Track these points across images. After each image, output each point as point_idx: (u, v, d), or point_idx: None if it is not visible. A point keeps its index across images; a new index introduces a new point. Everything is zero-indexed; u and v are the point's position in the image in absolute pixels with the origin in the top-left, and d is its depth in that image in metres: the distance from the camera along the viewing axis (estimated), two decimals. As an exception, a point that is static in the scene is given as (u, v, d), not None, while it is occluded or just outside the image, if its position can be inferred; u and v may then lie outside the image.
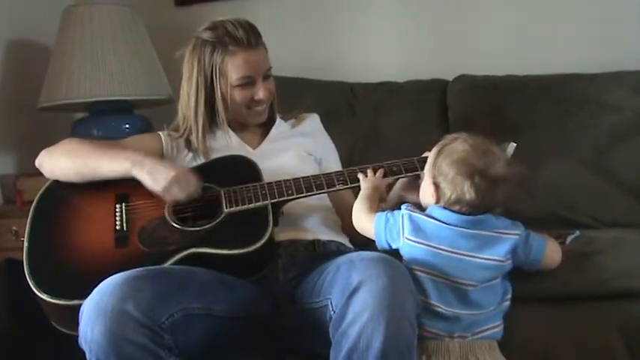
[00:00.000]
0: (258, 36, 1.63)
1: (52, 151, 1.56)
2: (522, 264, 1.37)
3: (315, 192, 1.50)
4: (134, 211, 1.48)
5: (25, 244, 1.41)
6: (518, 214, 1.39)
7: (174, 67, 1.71)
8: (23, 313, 1.87)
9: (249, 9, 2.34)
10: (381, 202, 1.49)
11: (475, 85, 2.20)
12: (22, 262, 1.38)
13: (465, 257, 1.29)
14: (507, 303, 1.35)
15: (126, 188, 1.50)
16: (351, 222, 1.63)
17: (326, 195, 1.67)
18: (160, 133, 1.70)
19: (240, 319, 1.35)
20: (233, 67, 1.59)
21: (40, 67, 2.28)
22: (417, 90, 2.25)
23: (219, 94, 1.62)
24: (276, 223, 1.46)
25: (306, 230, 1.55)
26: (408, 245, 1.32)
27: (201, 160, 1.64)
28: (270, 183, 1.49)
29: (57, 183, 1.54)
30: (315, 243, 1.52)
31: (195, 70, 1.61)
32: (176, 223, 1.44)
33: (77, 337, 1.20)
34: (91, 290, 1.20)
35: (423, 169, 1.49)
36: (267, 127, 1.75)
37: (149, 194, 1.48)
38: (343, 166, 1.84)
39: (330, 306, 1.24)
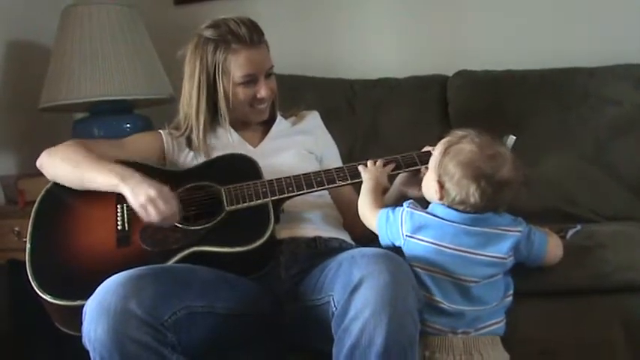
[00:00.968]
0: (261, 34, 1.63)
1: (52, 154, 1.56)
2: (525, 260, 1.37)
3: (315, 188, 1.50)
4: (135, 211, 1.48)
5: (28, 246, 1.41)
6: (518, 209, 1.38)
7: (175, 66, 1.70)
8: (25, 313, 1.88)
9: (249, 7, 2.34)
10: (385, 192, 1.49)
11: (475, 80, 2.20)
12: (25, 263, 1.38)
13: (467, 254, 1.29)
14: (510, 299, 1.35)
15: None
16: (352, 218, 1.64)
17: (327, 192, 1.66)
18: (161, 131, 1.71)
19: (243, 317, 1.36)
20: (236, 66, 1.59)
21: (40, 67, 2.28)
22: (417, 86, 2.25)
23: (221, 93, 1.62)
24: (277, 221, 1.46)
25: (308, 227, 1.55)
26: (409, 243, 1.32)
27: (202, 159, 1.64)
28: (270, 180, 1.49)
29: (58, 185, 1.54)
30: (316, 240, 1.52)
31: (197, 69, 1.61)
32: (177, 222, 1.44)
33: (80, 337, 1.21)
34: (94, 291, 1.20)
35: (422, 163, 1.49)
36: (267, 125, 1.76)
37: None
38: (344, 164, 1.84)
39: (332, 302, 1.24)
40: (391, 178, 1.56)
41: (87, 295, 1.21)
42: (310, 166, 1.69)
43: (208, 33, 1.60)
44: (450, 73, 2.25)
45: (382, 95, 2.25)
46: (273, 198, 1.47)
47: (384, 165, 1.52)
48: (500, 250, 1.31)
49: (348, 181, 1.52)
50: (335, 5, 2.48)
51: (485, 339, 1.30)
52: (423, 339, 1.26)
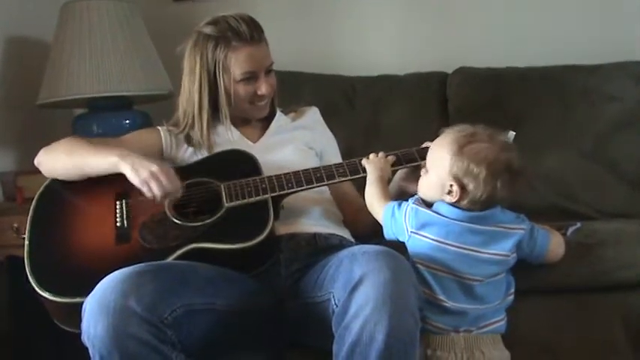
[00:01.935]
0: (261, 31, 1.62)
1: (50, 150, 1.56)
2: (527, 257, 1.37)
3: (315, 184, 1.50)
4: (134, 208, 1.47)
5: (26, 243, 1.41)
6: (519, 206, 1.39)
7: (174, 62, 1.70)
8: (24, 310, 1.87)
9: (248, 3, 2.33)
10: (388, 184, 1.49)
11: (475, 77, 2.20)
12: (23, 260, 1.37)
13: (471, 252, 1.29)
14: (511, 297, 1.35)
15: (125, 185, 1.49)
16: (352, 215, 1.64)
17: (326, 188, 1.66)
18: (159, 128, 1.70)
19: (243, 314, 1.35)
20: (236, 63, 1.59)
21: (39, 63, 2.28)
22: (417, 83, 2.24)
23: (222, 90, 1.61)
24: (276, 217, 1.45)
25: (307, 224, 1.54)
26: (414, 239, 1.32)
27: (202, 155, 1.64)
28: (270, 176, 1.49)
29: (56, 181, 1.54)
30: (316, 237, 1.51)
31: (197, 66, 1.61)
32: (177, 219, 1.43)
33: (79, 334, 1.20)
34: (93, 288, 1.20)
35: (422, 159, 1.47)
36: (267, 121, 1.75)
37: None
38: (343, 159, 1.83)
39: (332, 300, 1.24)
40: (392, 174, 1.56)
41: (86, 292, 1.21)
42: (310, 162, 1.69)
43: (208, 30, 1.60)
44: (450, 70, 2.24)
45: (382, 92, 2.25)
46: (272, 194, 1.46)
47: (386, 157, 1.52)
48: (504, 248, 1.31)
49: (348, 177, 1.52)
50: (335, 2, 2.48)
51: (486, 337, 1.30)
52: (424, 337, 1.26)
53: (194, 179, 1.52)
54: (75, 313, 1.23)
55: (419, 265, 1.29)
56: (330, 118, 1.89)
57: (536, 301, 1.49)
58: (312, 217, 1.57)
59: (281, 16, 2.45)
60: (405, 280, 1.19)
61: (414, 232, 1.32)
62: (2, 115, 2.37)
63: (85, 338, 1.18)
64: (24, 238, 1.42)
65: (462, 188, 1.30)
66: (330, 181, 1.52)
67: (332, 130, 1.85)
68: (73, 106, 2.41)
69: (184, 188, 1.50)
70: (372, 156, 1.52)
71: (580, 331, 1.49)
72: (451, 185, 1.30)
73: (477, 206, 1.31)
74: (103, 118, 2.24)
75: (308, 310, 1.34)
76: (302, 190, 1.49)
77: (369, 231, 1.57)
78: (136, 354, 1.14)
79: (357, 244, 1.49)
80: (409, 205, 1.35)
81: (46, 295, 1.31)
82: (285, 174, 1.50)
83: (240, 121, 1.71)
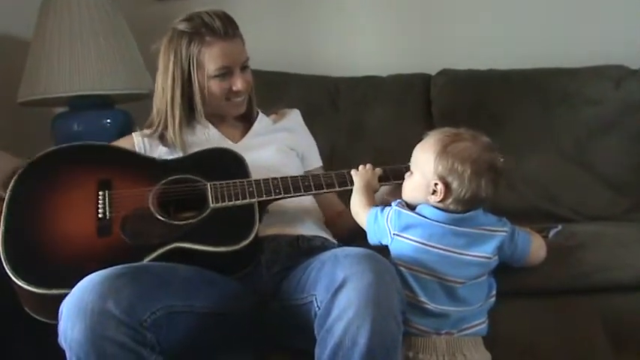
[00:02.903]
0: (235, 27, 1.62)
1: None
2: (508, 260, 1.38)
3: (302, 193, 1.49)
4: (117, 199, 1.44)
5: (2, 228, 1.36)
6: (500, 208, 1.39)
7: (156, 61, 1.68)
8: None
9: (231, 2, 2.32)
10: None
11: (458, 79, 2.21)
12: None
13: (454, 254, 1.29)
14: (493, 299, 1.35)
15: (108, 173, 1.48)
16: (331, 217, 1.63)
17: (310, 191, 1.66)
18: (133, 134, 1.68)
19: (224, 316, 1.34)
20: (210, 58, 1.58)
21: (19, 60, 2.25)
22: (400, 84, 2.25)
23: (196, 86, 1.60)
24: (261, 221, 1.44)
25: (290, 226, 1.54)
26: (397, 242, 1.32)
27: (177, 154, 1.62)
28: (257, 180, 1.47)
29: (35, 166, 1.49)
30: (299, 239, 1.51)
31: (171, 63, 1.60)
32: (161, 216, 1.41)
33: (54, 326, 1.19)
34: (72, 280, 1.19)
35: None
36: (248, 121, 1.74)
37: (133, 182, 1.46)
38: (325, 161, 1.83)
39: (315, 302, 1.23)
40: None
41: (64, 284, 1.19)
42: (292, 163, 1.68)
43: (182, 26, 1.59)
44: (434, 72, 2.25)
45: (365, 93, 2.25)
46: (259, 199, 1.45)
47: (374, 169, 1.52)
48: (486, 250, 1.31)
49: (336, 188, 1.51)
50: (319, 2, 2.47)
51: (468, 340, 1.30)
52: (406, 339, 1.26)
53: (180, 175, 1.50)
54: (50, 304, 1.21)
55: (401, 268, 1.29)
56: (314, 118, 1.89)
57: (517, 304, 1.49)
58: (295, 218, 1.56)
59: (264, 16, 2.44)
60: (389, 283, 1.19)
61: (397, 234, 1.32)
62: (-19, 112, 2.34)
63: (63, 341, 1.16)
64: None
65: (447, 187, 1.30)
66: (318, 191, 1.51)
67: (315, 131, 1.85)
68: (53, 104, 2.38)
69: (170, 183, 1.48)
70: (360, 167, 1.52)
71: (560, 333, 1.50)
72: (435, 184, 1.31)
73: (460, 206, 1.31)
74: (83, 116, 2.21)
75: (290, 312, 1.33)
76: (289, 197, 1.48)
77: (346, 235, 1.57)
78: (114, 357, 1.13)
79: (339, 246, 1.48)
80: (392, 208, 1.35)
81: (21, 284, 1.28)
82: (272, 179, 1.48)
83: (218, 120, 1.69)
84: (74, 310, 1.14)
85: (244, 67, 1.64)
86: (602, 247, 1.54)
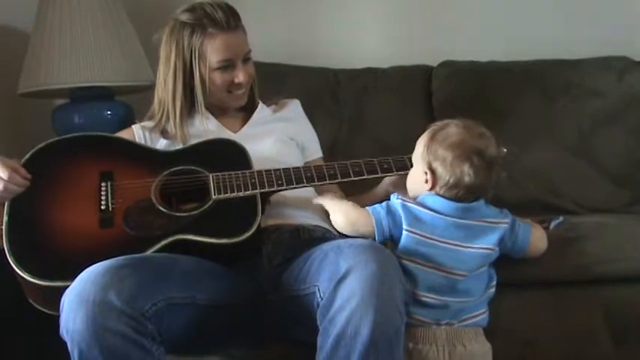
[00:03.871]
0: (238, 18, 1.61)
1: None
2: (508, 252, 1.38)
3: (305, 184, 1.48)
4: (120, 191, 1.44)
5: (5, 218, 1.37)
6: (502, 200, 1.39)
7: (156, 53, 1.68)
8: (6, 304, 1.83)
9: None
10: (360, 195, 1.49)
11: (460, 70, 2.20)
12: (2, 249, 1.34)
13: (458, 247, 1.30)
14: (492, 290, 1.35)
15: (110, 165, 1.47)
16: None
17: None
18: (133, 126, 1.68)
19: (225, 308, 1.35)
20: (213, 50, 1.58)
21: (19, 52, 2.24)
22: (401, 76, 2.24)
23: (198, 78, 1.60)
24: (263, 212, 1.44)
25: (291, 216, 1.54)
26: (406, 236, 1.31)
27: (178, 146, 1.61)
28: (260, 171, 1.47)
29: (38, 156, 1.49)
30: (300, 229, 1.50)
31: (173, 54, 1.59)
32: (163, 207, 1.41)
33: (56, 317, 1.19)
34: (74, 272, 1.19)
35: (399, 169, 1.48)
36: (248, 111, 1.74)
37: (135, 173, 1.46)
38: (326, 153, 1.83)
39: (317, 293, 1.23)
40: (380, 180, 1.57)
41: (67, 276, 1.20)
42: (292, 153, 1.68)
43: (184, 17, 1.59)
44: (435, 64, 2.24)
45: (366, 84, 2.24)
46: (262, 190, 1.45)
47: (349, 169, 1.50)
48: (489, 242, 1.32)
49: (338, 179, 1.50)
50: (319, -7, 2.47)
51: (468, 330, 1.31)
52: (406, 330, 1.25)
53: (182, 166, 1.50)
54: (53, 296, 1.21)
55: (404, 261, 1.29)
56: (314, 109, 1.89)
57: (518, 295, 1.50)
58: (296, 209, 1.56)
59: (265, 8, 2.43)
60: (392, 274, 1.19)
61: (407, 230, 1.31)
62: (-18, 104, 2.33)
63: (64, 332, 1.17)
64: (1, 229, 1.38)
65: (433, 173, 1.32)
66: (320, 182, 1.50)
67: (316, 122, 1.85)
68: (53, 96, 2.37)
69: (172, 174, 1.48)
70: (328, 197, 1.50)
71: (561, 325, 1.50)
72: (425, 172, 1.32)
73: (452, 193, 1.31)
74: (84, 108, 2.20)
75: (291, 302, 1.33)
76: (291, 188, 1.48)
77: None
78: (115, 348, 1.13)
79: (340, 237, 1.49)
80: (397, 201, 1.34)
81: (25, 276, 1.29)
82: (275, 170, 1.48)
83: (218, 111, 1.69)
84: (76, 301, 1.14)
85: (246, 59, 1.64)
86: (603, 239, 1.54)
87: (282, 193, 1.52)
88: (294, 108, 1.81)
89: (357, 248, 1.20)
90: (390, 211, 1.35)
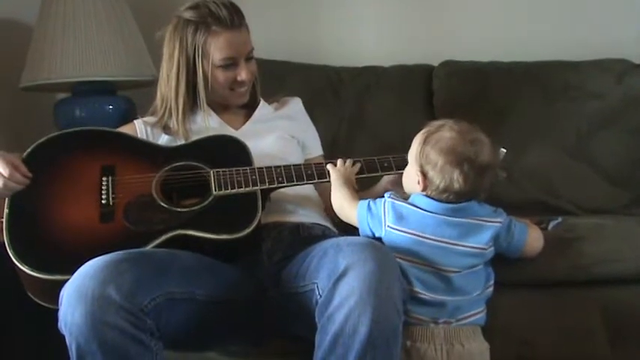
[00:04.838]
0: (242, 16, 1.61)
1: None
2: (504, 251, 1.38)
3: (305, 181, 1.49)
4: (120, 186, 1.45)
5: (6, 211, 1.37)
6: (500, 200, 1.39)
7: (159, 48, 1.68)
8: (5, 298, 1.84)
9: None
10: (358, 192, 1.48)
11: (460, 70, 2.20)
12: (2, 243, 1.34)
13: (448, 245, 1.30)
14: (490, 289, 1.36)
15: (112, 159, 1.48)
16: (331, 207, 1.63)
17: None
18: (135, 121, 1.68)
19: (224, 304, 1.35)
20: (216, 48, 1.58)
21: (22, 46, 2.24)
22: (403, 75, 2.24)
23: (200, 75, 1.60)
24: (263, 209, 1.45)
25: (291, 213, 1.55)
26: (390, 233, 1.32)
27: (180, 142, 1.62)
28: (260, 168, 1.48)
29: (39, 150, 1.49)
30: (300, 226, 1.51)
31: (176, 50, 1.60)
32: (163, 202, 1.42)
33: (56, 311, 1.19)
34: (74, 266, 1.19)
35: (398, 168, 1.49)
36: (250, 108, 1.74)
37: (136, 168, 1.46)
38: (327, 150, 1.84)
39: (316, 290, 1.23)
40: (379, 178, 1.57)
41: (67, 270, 1.20)
42: (293, 150, 1.69)
43: (188, 14, 1.59)
44: (436, 63, 2.24)
45: (368, 83, 2.24)
46: (262, 187, 1.45)
47: (353, 164, 1.52)
48: (481, 241, 1.32)
49: None
50: (322, -8, 2.47)
51: (466, 329, 1.31)
52: (404, 329, 1.26)
53: (183, 162, 1.50)
54: (53, 289, 1.22)
55: (396, 258, 1.29)
56: (316, 107, 1.89)
57: (517, 295, 1.50)
58: (296, 206, 1.57)
59: (268, 5, 2.43)
60: (390, 272, 1.19)
61: (391, 227, 1.32)
62: (-16, 97, 2.33)
63: (62, 326, 1.17)
64: (1, 222, 1.39)
65: (424, 176, 1.32)
66: (321, 180, 1.51)
67: (317, 120, 1.85)
68: (55, 90, 2.38)
69: (173, 170, 1.48)
70: (339, 163, 1.51)
71: (559, 325, 1.51)
72: (417, 174, 1.32)
73: (444, 196, 1.31)
74: (86, 102, 2.21)
75: (290, 299, 1.34)
76: (292, 185, 1.49)
77: (346, 224, 1.57)
78: (114, 342, 1.14)
79: (340, 235, 1.49)
80: (386, 200, 1.35)
81: (25, 269, 1.29)
82: (275, 167, 1.49)
83: (220, 108, 1.70)
84: (75, 296, 1.15)
85: (249, 58, 1.64)
86: (602, 240, 1.54)
87: (282, 190, 1.52)
88: (295, 106, 1.81)
89: (356, 246, 1.21)
90: (370, 208, 1.36)
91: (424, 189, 1.33)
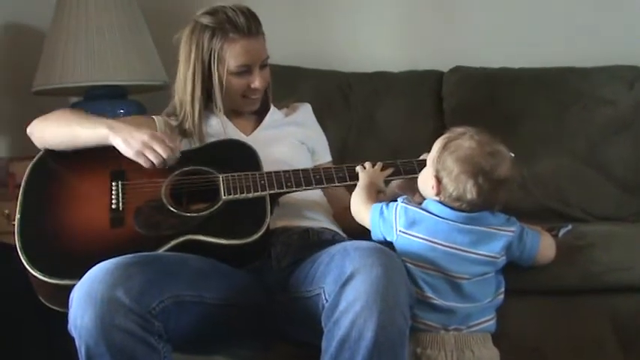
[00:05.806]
0: (259, 24, 1.62)
1: (42, 119, 1.55)
2: (516, 260, 1.37)
3: (314, 186, 1.49)
4: (130, 191, 1.45)
5: (17, 216, 1.38)
6: (511, 207, 1.38)
7: (170, 53, 1.69)
8: (9, 297, 1.85)
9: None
10: (380, 193, 1.48)
11: (470, 76, 2.20)
12: (15, 247, 1.35)
13: (459, 252, 1.29)
14: (501, 297, 1.35)
15: (121, 164, 1.48)
16: (341, 211, 1.64)
17: (320, 184, 1.66)
18: (155, 117, 1.68)
19: (232, 307, 1.35)
20: (232, 55, 1.58)
21: (35, 50, 2.26)
22: (412, 80, 2.24)
23: (216, 80, 1.61)
24: (272, 213, 1.45)
25: (300, 218, 1.54)
26: (402, 238, 1.32)
27: (196, 145, 1.62)
28: (269, 173, 1.48)
29: (49, 153, 1.51)
30: (309, 231, 1.51)
31: (193, 55, 1.60)
32: (173, 207, 1.42)
33: (66, 315, 1.20)
34: (84, 271, 1.19)
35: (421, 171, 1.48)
36: (260, 114, 1.74)
37: (146, 173, 1.46)
38: (336, 156, 1.84)
39: (323, 295, 1.23)
40: (387, 182, 1.55)
41: (77, 275, 1.20)
42: (303, 157, 1.69)
43: (205, 20, 1.59)
44: (446, 69, 2.25)
45: (377, 89, 2.24)
46: (271, 192, 1.45)
47: (383, 169, 1.51)
48: (493, 250, 1.31)
49: (347, 182, 1.51)
50: (333, -3, 2.48)
51: (476, 336, 1.30)
52: (414, 335, 1.26)
53: (192, 167, 1.51)
54: (63, 294, 1.22)
55: (407, 264, 1.29)
56: (325, 113, 1.89)
57: (527, 302, 1.49)
58: (305, 211, 1.57)
59: (278, 11, 2.44)
60: (397, 277, 1.19)
61: (403, 232, 1.32)
62: (-4, 100, 2.36)
63: (72, 328, 1.17)
64: (14, 225, 1.40)
65: (439, 182, 1.31)
66: (329, 185, 1.51)
67: (327, 126, 1.85)
68: (67, 94, 2.40)
69: (182, 175, 1.48)
70: (368, 165, 1.51)
71: (569, 333, 1.50)
72: (432, 178, 1.32)
73: (456, 204, 1.31)
74: (97, 106, 2.22)
75: (298, 304, 1.34)
76: (301, 190, 1.49)
77: (354, 230, 1.56)
78: (122, 345, 1.14)
79: (349, 240, 1.49)
80: (398, 204, 1.35)
81: (36, 274, 1.30)
82: (284, 172, 1.48)
83: (232, 114, 1.70)
84: (84, 298, 1.15)
85: (263, 65, 1.64)
86: (613, 248, 1.53)
87: (291, 194, 1.52)
88: (305, 112, 1.81)
89: (364, 251, 1.20)
90: (382, 212, 1.36)
91: (437, 194, 1.32)
